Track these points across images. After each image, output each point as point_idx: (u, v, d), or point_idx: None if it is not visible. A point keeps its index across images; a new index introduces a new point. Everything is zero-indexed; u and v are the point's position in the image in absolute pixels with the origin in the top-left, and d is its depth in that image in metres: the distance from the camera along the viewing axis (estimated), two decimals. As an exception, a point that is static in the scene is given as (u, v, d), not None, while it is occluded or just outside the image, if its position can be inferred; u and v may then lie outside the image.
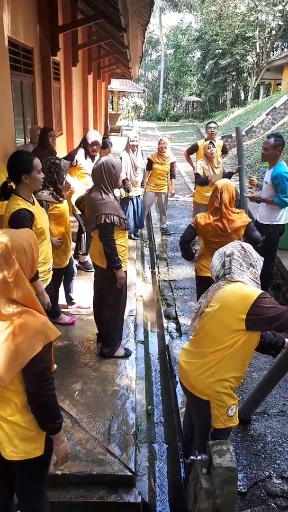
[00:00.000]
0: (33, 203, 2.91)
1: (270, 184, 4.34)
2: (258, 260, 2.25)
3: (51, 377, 1.69)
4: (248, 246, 2.28)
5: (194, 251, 3.73)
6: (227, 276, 2.18)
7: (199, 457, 2.11)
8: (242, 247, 2.26)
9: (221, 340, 2.08)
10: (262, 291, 2.09)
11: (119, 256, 3.31)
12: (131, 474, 2.56)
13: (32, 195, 2.98)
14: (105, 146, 5.99)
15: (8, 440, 1.66)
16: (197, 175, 5.95)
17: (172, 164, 6.69)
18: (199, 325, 2.24)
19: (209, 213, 3.40)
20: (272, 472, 2.75)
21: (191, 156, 6.89)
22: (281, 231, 4.56)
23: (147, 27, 8.86)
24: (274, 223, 4.46)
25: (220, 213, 3.28)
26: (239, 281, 2.14)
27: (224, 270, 2.21)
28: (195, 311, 2.32)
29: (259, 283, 2.21)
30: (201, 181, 5.91)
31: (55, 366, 3.34)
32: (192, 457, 2.13)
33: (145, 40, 11.44)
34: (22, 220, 2.72)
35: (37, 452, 1.72)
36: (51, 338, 1.63)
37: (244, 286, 2.12)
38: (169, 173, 6.78)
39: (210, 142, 5.82)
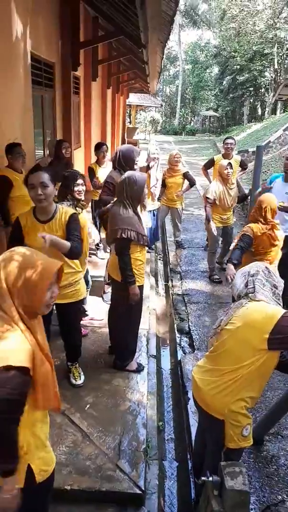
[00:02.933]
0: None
1: None
2: (280, 282, 2.25)
3: (10, 411, 1.49)
4: (272, 268, 2.28)
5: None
6: (250, 294, 2.17)
7: (210, 478, 2.06)
8: (266, 267, 2.26)
9: (241, 359, 2.05)
10: (286, 311, 2.06)
11: (135, 271, 3.30)
12: (140, 492, 2.51)
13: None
14: (98, 147, 5.89)
15: None
16: (207, 198, 5.61)
17: (185, 174, 6.67)
18: (217, 342, 2.21)
19: (259, 223, 3.71)
20: (285, 497, 2.67)
21: (208, 170, 6.89)
22: None
23: (166, 44, 8.99)
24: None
25: (270, 225, 3.70)
26: (262, 300, 2.12)
27: (247, 290, 2.20)
28: (214, 327, 2.30)
29: (281, 304, 2.19)
30: (210, 207, 5.54)
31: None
32: (203, 478, 2.08)
33: (164, 56, 11.62)
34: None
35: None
36: (8, 362, 1.46)
37: (268, 305, 2.10)
38: (182, 186, 6.76)
39: (229, 163, 5.45)
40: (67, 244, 2.69)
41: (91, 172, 5.82)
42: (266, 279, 2.20)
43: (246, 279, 2.23)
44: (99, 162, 5.91)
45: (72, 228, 2.82)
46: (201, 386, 2.22)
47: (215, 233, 5.59)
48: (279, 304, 2.17)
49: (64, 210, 2.86)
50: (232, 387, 2.06)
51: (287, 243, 4.34)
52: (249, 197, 5.94)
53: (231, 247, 3.98)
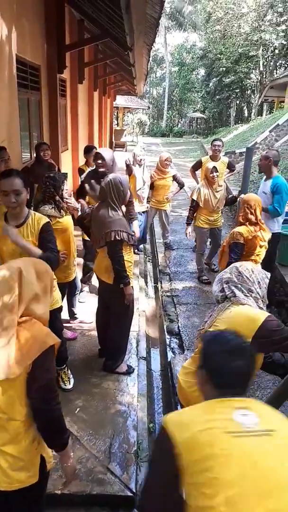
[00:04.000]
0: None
1: (270, 194, 4.59)
2: (263, 279, 2.23)
3: (57, 390, 1.68)
4: (246, 270, 2.24)
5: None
6: (232, 298, 2.17)
7: None
8: (238, 272, 2.23)
9: None
10: (269, 314, 2.08)
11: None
12: (131, 494, 2.51)
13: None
14: (88, 151, 5.98)
15: (1, 471, 1.61)
16: (192, 200, 5.67)
17: (174, 176, 6.70)
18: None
19: (248, 225, 3.70)
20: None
21: (196, 172, 6.94)
22: (278, 240, 4.84)
23: (152, 46, 9.04)
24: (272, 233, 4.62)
25: (259, 226, 3.71)
26: (247, 303, 2.13)
27: (226, 294, 2.20)
28: (198, 330, 2.31)
29: (263, 306, 2.18)
30: (193, 208, 5.66)
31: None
32: None
33: (150, 59, 11.67)
34: None
35: (32, 480, 1.67)
36: (49, 343, 1.63)
37: (251, 309, 2.11)
38: (169, 188, 6.80)
39: (214, 167, 5.46)
40: (37, 251, 2.61)
41: (81, 173, 5.84)
42: (240, 284, 2.19)
43: (221, 285, 2.24)
44: (88, 164, 5.94)
45: (46, 238, 2.71)
46: (184, 387, 2.23)
47: (189, 237, 5.90)
48: (263, 304, 2.18)
49: (37, 217, 2.75)
50: None
51: (271, 243, 4.44)
52: (238, 199, 5.98)
53: (226, 252, 3.97)
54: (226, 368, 1.37)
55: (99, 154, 4.11)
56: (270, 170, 4.69)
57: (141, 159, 6.06)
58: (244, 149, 14.81)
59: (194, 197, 5.59)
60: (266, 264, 4.44)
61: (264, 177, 4.86)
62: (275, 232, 4.65)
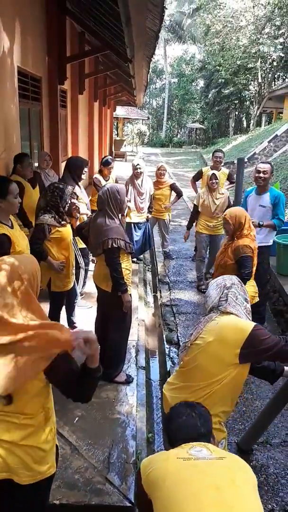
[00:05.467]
0: (11, 227, 2.94)
1: (270, 207, 4.45)
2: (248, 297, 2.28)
3: (74, 363, 1.64)
4: (241, 282, 2.29)
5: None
6: (220, 307, 2.15)
7: None
8: (239, 281, 2.26)
9: (213, 374, 2.03)
10: (256, 324, 2.08)
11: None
12: (130, 505, 2.49)
13: (11, 218, 3.00)
14: (108, 164, 6.33)
15: (23, 466, 1.61)
16: (194, 206, 5.92)
17: (172, 185, 6.80)
18: (188, 358, 2.17)
19: (250, 238, 3.62)
20: (275, 506, 2.68)
21: (197, 182, 7.01)
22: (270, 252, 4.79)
23: (152, 58, 9.16)
24: (267, 245, 4.60)
25: (251, 237, 3.65)
26: (232, 313, 2.11)
27: (219, 302, 2.18)
28: (183, 342, 2.29)
29: (250, 319, 2.19)
30: (193, 213, 5.94)
31: None
32: None
33: (150, 70, 11.80)
34: (0, 244, 2.73)
35: (52, 470, 1.70)
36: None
37: (238, 319, 2.10)
38: (170, 198, 6.88)
39: (213, 174, 5.65)
40: None
41: (96, 183, 6.29)
42: (239, 293, 2.19)
43: (222, 290, 2.20)
44: (104, 175, 6.35)
45: None
46: (171, 403, 2.18)
47: (184, 240, 6.15)
48: (249, 319, 2.17)
49: None
50: (205, 403, 1.97)
51: (260, 255, 4.27)
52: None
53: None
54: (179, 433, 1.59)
55: None
56: (268, 183, 4.57)
57: (140, 172, 6.12)
58: (244, 160, 14.95)
59: (195, 202, 5.79)
60: (260, 277, 4.40)
61: (254, 190, 4.65)
62: (268, 244, 4.59)
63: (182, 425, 1.61)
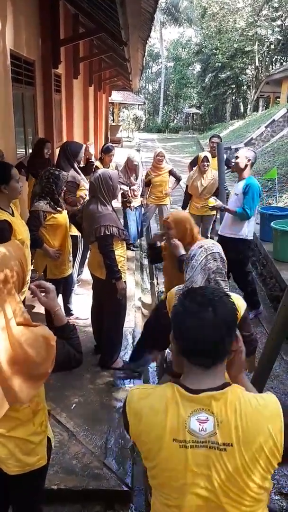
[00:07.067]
0: (12, 214, 2.87)
1: (241, 195, 4.23)
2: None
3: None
4: (220, 251, 1.99)
5: None
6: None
7: None
8: (221, 257, 1.95)
9: None
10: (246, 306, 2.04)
11: (119, 267, 3.32)
12: (127, 489, 2.52)
13: (11, 205, 2.93)
14: (109, 151, 6.29)
15: (12, 456, 1.61)
16: (186, 186, 6.20)
17: (170, 171, 6.78)
18: None
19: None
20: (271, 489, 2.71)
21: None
22: (250, 247, 4.51)
23: (147, 41, 8.98)
24: (239, 237, 4.30)
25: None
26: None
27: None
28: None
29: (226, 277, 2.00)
30: (186, 193, 6.21)
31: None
32: None
33: (146, 54, 11.60)
34: (1, 231, 2.66)
35: (42, 463, 1.70)
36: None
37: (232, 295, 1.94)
38: (167, 184, 6.85)
39: (205, 157, 5.82)
40: None
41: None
42: (224, 271, 1.96)
43: (206, 274, 1.90)
44: (104, 163, 6.23)
45: None
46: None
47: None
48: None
49: None
50: None
51: (233, 248, 4.08)
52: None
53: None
54: (186, 333, 1.17)
55: None
56: (244, 170, 4.28)
57: (136, 165, 6.17)
58: (241, 145, 14.83)
59: (186, 182, 6.04)
60: (239, 271, 4.38)
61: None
62: (242, 237, 4.29)
63: (192, 327, 1.16)
